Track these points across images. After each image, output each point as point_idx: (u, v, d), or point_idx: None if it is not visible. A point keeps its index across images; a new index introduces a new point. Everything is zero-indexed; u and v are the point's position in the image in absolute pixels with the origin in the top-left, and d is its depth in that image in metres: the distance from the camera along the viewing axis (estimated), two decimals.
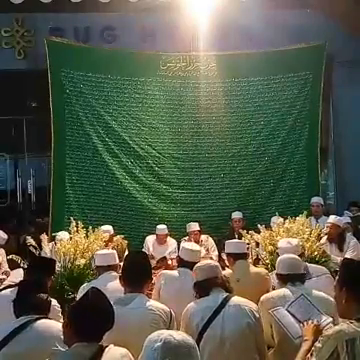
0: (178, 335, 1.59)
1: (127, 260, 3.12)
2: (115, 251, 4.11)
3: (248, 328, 2.78)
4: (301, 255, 3.94)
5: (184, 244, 4.45)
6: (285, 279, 3.17)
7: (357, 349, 1.98)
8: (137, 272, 2.90)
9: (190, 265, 3.70)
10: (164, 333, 1.60)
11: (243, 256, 4.14)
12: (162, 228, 6.80)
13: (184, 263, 3.84)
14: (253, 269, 4.14)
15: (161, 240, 6.76)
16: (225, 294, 2.88)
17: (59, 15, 8.19)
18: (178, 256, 4.07)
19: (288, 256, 3.32)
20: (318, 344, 2.08)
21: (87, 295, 2.18)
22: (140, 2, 7.39)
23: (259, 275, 4.03)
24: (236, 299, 2.87)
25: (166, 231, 6.81)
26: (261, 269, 4.31)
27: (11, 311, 2.67)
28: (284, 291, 3.08)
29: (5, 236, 6.22)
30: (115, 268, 3.81)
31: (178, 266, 3.95)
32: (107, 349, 2.06)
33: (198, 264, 3.15)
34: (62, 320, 3.29)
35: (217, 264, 3.12)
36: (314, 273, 3.80)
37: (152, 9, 7.77)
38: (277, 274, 3.29)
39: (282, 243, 4.11)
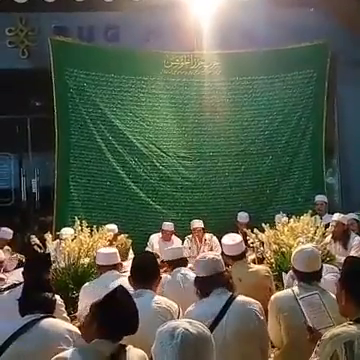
0: (193, 328, 1.54)
1: (136, 260, 3.15)
2: (116, 249, 4.09)
3: (252, 329, 2.72)
4: None
5: (166, 248, 4.50)
6: (301, 277, 3.03)
7: (356, 351, 1.96)
8: (146, 271, 2.98)
9: (181, 262, 3.80)
10: (179, 327, 1.53)
11: (242, 256, 4.02)
12: (169, 224, 6.88)
13: (172, 263, 3.93)
14: (253, 267, 4.05)
15: (167, 236, 6.80)
16: (228, 294, 2.79)
17: (63, 14, 8.19)
18: (163, 261, 4.12)
19: (307, 254, 3.06)
20: (317, 349, 2.06)
21: (115, 293, 2.12)
22: (144, 1, 7.37)
23: (259, 273, 3.96)
24: (240, 299, 2.79)
25: (172, 228, 6.86)
26: (261, 266, 4.23)
27: (13, 311, 2.65)
28: (296, 289, 2.96)
29: (10, 231, 6.29)
30: (117, 267, 3.79)
31: (171, 270, 4.00)
32: (126, 349, 2.03)
33: (199, 257, 3.02)
34: (65, 315, 3.31)
35: (219, 258, 2.98)
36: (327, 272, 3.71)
37: (156, 8, 7.75)
38: (293, 268, 3.12)
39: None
